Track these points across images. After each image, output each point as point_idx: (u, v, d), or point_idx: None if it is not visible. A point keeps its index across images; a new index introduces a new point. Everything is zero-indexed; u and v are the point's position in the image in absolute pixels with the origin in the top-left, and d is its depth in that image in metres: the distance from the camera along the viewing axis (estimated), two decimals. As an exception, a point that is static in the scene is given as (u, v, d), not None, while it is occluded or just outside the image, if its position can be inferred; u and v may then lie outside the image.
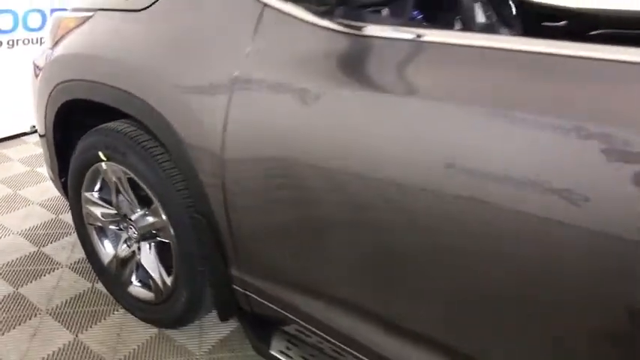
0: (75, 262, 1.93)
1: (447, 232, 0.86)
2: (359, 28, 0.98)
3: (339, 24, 0.99)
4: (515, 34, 1.45)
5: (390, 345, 1.05)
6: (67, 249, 2.01)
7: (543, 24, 2.19)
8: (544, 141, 0.75)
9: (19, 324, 1.61)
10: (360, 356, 1.12)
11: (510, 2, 2.18)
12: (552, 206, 0.73)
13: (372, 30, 0.98)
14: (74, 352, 1.51)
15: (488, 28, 1.29)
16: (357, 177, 0.95)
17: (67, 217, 2.19)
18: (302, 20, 1.02)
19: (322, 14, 1.00)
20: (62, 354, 1.50)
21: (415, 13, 1.42)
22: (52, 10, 3.02)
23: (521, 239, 0.79)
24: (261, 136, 1.06)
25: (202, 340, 1.59)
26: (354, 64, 0.99)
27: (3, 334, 1.56)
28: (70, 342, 1.55)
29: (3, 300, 1.71)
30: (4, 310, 1.66)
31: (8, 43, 2.93)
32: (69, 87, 1.48)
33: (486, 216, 0.81)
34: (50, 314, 1.66)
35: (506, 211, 0.78)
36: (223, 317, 1.43)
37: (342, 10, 1.00)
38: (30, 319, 1.63)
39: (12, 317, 1.64)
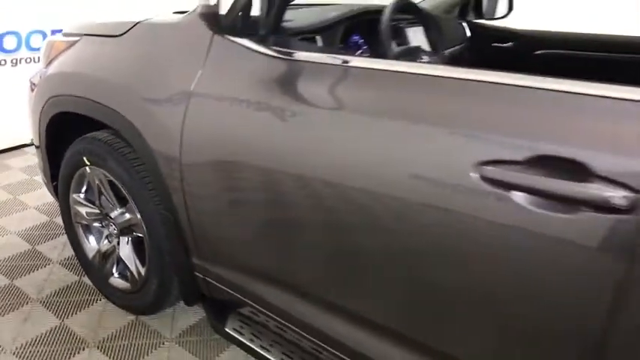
0: (65, 259, 2.14)
1: (368, 224, 1.06)
2: (290, 54, 1.20)
3: (273, 50, 1.21)
4: (439, 57, 1.65)
5: (324, 320, 1.24)
6: (59, 247, 2.22)
7: (493, 44, 2.41)
8: (445, 147, 0.94)
9: (13, 310, 1.82)
10: (299, 330, 1.31)
11: (464, 25, 2.41)
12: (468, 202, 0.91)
13: (301, 56, 1.19)
14: (60, 334, 1.71)
15: (415, 52, 1.49)
16: (286, 175, 1.16)
17: (60, 220, 2.40)
18: (242, 46, 1.23)
19: (259, 42, 1.22)
20: (50, 335, 1.71)
21: (356, 38, 1.64)
22: (53, 32, 3.28)
23: (450, 236, 0.94)
24: (211, 142, 1.27)
25: (174, 326, 1.78)
26: (286, 84, 1.20)
27: (-1, 318, 1.77)
28: (57, 326, 1.75)
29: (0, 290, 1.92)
30: (0, 299, 1.87)
31: (12, 61, 3.18)
32: (59, 101, 1.71)
33: (403, 210, 0.99)
34: (40, 302, 1.86)
35: (423, 206, 0.95)
36: (188, 302, 1.63)
37: (276, 38, 1.22)
38: (22, 306, 1.84)
39: (7, 304, 1.84)
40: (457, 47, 2.22)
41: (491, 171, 0.86)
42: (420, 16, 1.69)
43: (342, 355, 1.22)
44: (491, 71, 0.95)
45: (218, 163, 1.28)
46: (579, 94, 0.83)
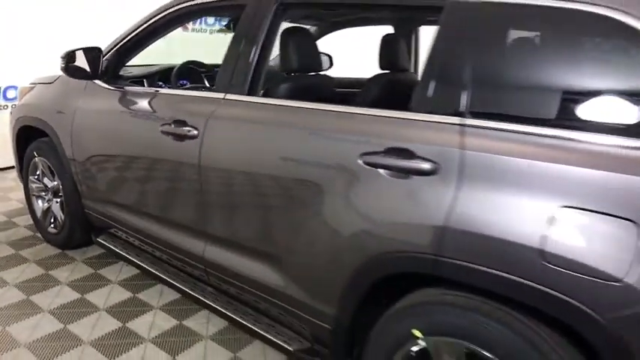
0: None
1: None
2: (119, 87, 2.42)
3: (111, 85, 2.44)
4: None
5: (159, 230, 2.31)
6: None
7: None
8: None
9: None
10: (148, 241, 2.40)
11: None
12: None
13: (129, 88, 2.41)
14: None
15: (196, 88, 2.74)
16: (124, 145, 2.33)
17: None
18: (98, 85, 2.47)
19: (105, 82, 2.45)
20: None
21: (183, 80, 2.88)
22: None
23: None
24: (85, 132, 2.49)
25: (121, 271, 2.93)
26: (116, 102, 2.40)
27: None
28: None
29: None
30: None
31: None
32: (22, 119, 2.97)
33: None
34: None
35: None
36: (85, 231, 2.79)
37: (114, 80, 2.45)
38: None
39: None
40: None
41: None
42: (203, 68, 2.99)
43: (175, 254, 2.21)
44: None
45: (89, 143, 2.49)
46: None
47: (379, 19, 2.99)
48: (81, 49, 2.31)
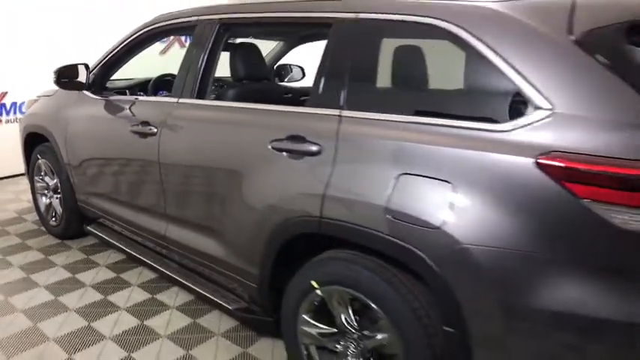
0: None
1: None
2: (104, 97, 2.86)
3: (98, 95, 2.87)
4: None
5: (132, 215, 2.76)
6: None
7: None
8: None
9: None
10: (123, 224, 2.84)
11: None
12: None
13: (113, 97, 2.85)
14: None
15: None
16: (108, 147, 2.76)
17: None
18: (86, 95, 2.91)
19: (92, 93, 2.89)
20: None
21: (162, 91, 3.30)
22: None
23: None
24: (76, 136, 2.93)
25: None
26: (101, 108, 2.83)
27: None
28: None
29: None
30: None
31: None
32: (28, 127, 3.44)
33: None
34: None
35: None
36: (80, 222, 3.21)
37: (101, 91, 2.89)
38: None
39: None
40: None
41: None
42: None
43: (146, 235, 2.63)
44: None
45: (78, 144, 2.93)
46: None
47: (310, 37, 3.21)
48: (70, 65, 2.76)
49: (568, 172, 1.25)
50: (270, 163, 1.85)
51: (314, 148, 1.72)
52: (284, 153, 1.81)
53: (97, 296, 2.70)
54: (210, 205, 2.16)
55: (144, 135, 2.38)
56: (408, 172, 1.49)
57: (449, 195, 1.41)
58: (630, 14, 1.33)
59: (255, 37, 2.73)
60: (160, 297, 2.71)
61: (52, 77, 2.78)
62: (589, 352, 1.31)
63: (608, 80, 1.28)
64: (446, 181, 1.42)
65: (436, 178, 1.44)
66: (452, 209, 1.40)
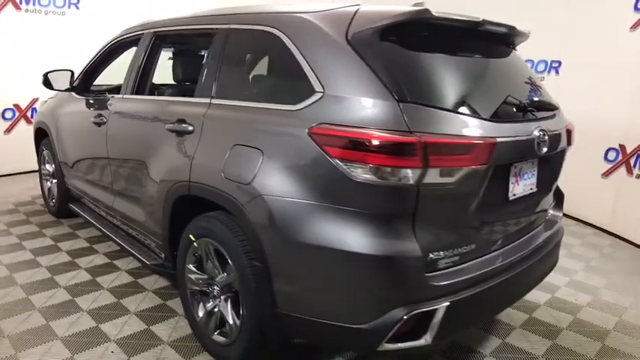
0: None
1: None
2: (86, 96, 3.48)
3: (81, 95, 3.50)
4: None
5: (92, 190, 3.37)
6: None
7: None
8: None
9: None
10: (94, 204, 3.44)
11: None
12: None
13: (98, 97, 3.47)
14: (23, 220, 4.01)
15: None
16: (86, 139, 3.38)
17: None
18: (73, 95, 3.55)
19: (77, 93, 3.52)
20: None
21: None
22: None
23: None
24: (63, 127, 3.58)
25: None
26: (83, 106, 3.46)
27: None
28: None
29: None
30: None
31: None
32: (36, 123, 4.16)
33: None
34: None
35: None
36: (67, 203, 3.85)
37: (84, 92, 3.52)
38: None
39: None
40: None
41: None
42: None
43: (103, 208, 3.25)
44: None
45: (64, 135, 3.58)
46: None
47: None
48: (57, 70, 3.41)
49: (324, 139, 1.65)
50: (166, 142, 2.35)
51: (190, 127, 2.20)
52: (173, 133, 2.30)
53: (66, 258, 3.30)
54: (135, 179, 2.69)
55: (98, 124, 2.96)
56: (238, 143, 1.94)
57: (259, 159, 1.84)
58: (385, 18, 1.71)
59: (183, 45, 3.26)
60: (116, 263, 3.26)
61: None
62: (345, 280, 1.68)
63: (361, 69, 1.68)
64: (258, 148, 1.85)
65: (252, 147, 1.87)
66: (259, 169, 1.83)
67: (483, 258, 1.87)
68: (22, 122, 5.54)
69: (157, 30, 2.78)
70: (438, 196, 1.63)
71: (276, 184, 1.77)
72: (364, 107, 1.63)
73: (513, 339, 2.54)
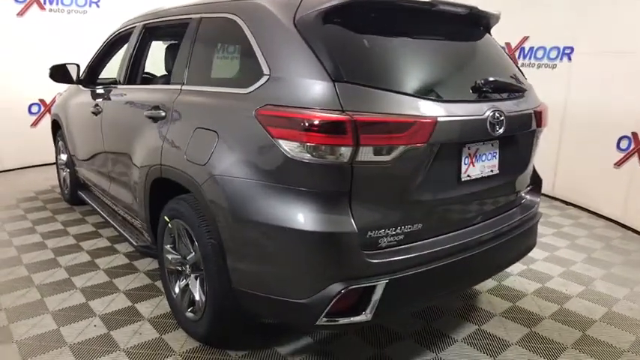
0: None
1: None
2: (93, 88, 3.66)
3: (88, 87, 3.69)
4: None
5: (92, 176, 3.56)
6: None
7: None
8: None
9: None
10: (99, 191, 3.63)
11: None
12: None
13: (98, 88, 3.65)
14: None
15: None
16: (89, 128, 3.57)
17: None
18: (80, 87, 3.73)
19: (84, 85, 3.71)
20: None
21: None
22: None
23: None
24: (71, 116, 3.79)
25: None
26: (89, 97, 3.65)
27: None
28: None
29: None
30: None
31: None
32: (52, 115, 4.40)
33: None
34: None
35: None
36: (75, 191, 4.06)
37: (90, 85, 3.71)
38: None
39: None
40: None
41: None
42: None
43: (102, 192, 3.46)
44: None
45: (71, 125, 3.78)
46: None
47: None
48: (63, 64, 3.61)
49: (267, 119, 1.70)
50: (144, 128, 2.46)
51: (162, 113, 2.30)
52: (150, 119, 2.41)
53: (72, 241, 3.50)
54: (123, 165, 2.82)
55: (95, 114, 3.12)
56: (199, 126, 2.02)
57: (214, 140, 1.91)
58: (328, 1, 1.73)
59: (169, 36, 3.37)
60: (117, 246, 3.43)
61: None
62: (287, 256, 1.73)
63: (303, 51, 1.71)
64: (214, 130, 1.92)
65: (209, 129, 1.95)
66: (214, 151, 1.90)
67: (436, 238, 1.87)
68: (47, 116, 5.85)
69: (145, 22, 2.90)
70: (375, 175, 1.65)
71: (228, 164, 1.84)
72: (304, 88, 1.67)
73: (490, 326, 2.51)
